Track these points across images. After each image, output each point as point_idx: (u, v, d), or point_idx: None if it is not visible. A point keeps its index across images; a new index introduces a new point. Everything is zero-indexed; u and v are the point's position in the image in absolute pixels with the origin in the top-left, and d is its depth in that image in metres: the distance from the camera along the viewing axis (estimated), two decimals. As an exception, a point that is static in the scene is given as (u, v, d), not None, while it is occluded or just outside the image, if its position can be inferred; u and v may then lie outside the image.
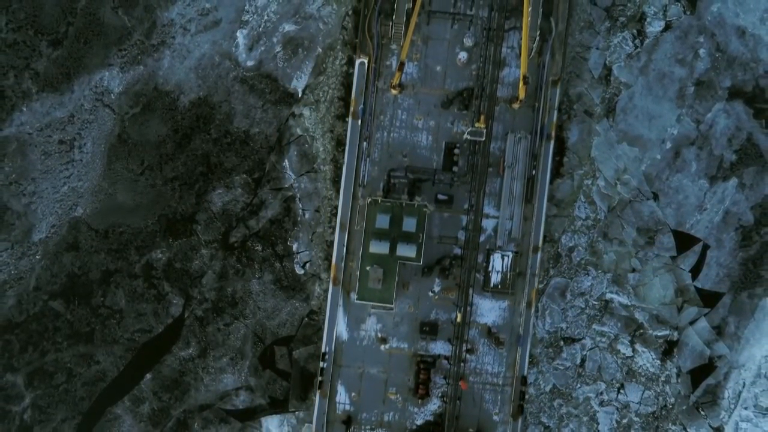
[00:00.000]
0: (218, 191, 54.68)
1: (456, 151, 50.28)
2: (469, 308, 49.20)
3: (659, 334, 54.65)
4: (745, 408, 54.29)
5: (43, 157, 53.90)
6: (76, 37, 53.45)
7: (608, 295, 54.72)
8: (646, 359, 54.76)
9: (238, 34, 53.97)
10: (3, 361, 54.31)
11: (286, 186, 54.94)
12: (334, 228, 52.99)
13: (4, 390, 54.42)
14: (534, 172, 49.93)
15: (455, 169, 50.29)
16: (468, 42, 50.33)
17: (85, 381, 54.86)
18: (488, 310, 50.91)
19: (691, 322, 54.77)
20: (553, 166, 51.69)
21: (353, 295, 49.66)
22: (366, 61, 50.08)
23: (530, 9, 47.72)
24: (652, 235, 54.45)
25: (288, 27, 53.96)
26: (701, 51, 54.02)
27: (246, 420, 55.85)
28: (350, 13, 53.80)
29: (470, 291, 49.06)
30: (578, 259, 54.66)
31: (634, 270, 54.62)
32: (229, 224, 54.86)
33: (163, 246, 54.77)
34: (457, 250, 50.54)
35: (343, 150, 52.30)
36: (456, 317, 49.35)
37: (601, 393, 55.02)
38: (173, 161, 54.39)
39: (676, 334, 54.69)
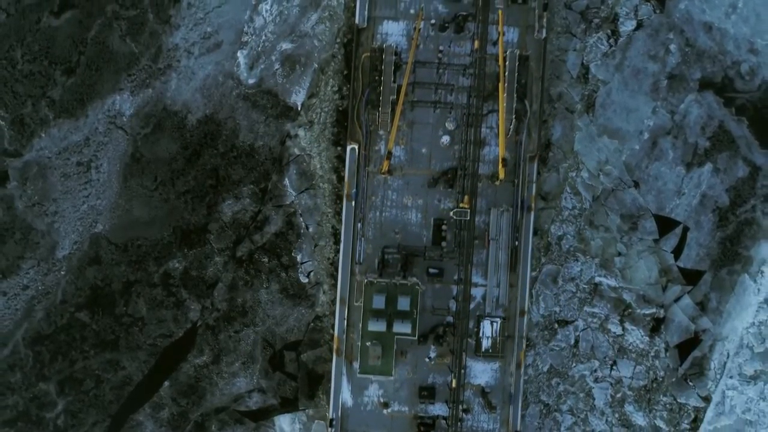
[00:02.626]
0: (228, 202, 56.84)
1: (444, 227, 53.16)
2: (463, 371, 51.19)
3: (646, 312, 56.79)
4: (731, 377, 56.40)
5: (63, 179, 56.12)
6: (88, 65, 55.58)
7: (597, 279, 56.81)
8: (636, 336, 56.87)
9: (238, 54, 56.04)
10: (35, 371, 56.51)
11: (288, 203, 57.07)
12: (334, 247, 56.06)
13: (37, 398, 56.59)
14: (517, 243, 52.84)
15: (444, 244, 53.14)
16: (450, 126, 53.29)
17: (112, 386, 57.07)
18: (481, 372, 53.71)
19: (676, 300, 56.84)
20: (539, 181, 54.63)
21: (355, 365, 52.65)
22: (356, 147, 52.96)
23: (505, 95, 50.90)
24: (635, 220, 56.64)
25: (285, 45, 56.02)
26: (672, 46, 56.27)
27: (259, 420, 57.87)
28: (340, 38, 55.89)
29: (463, 356, 50.97)
30: (567, 246, 56.80)
31: (619, 254, 56.74)
32: (239, 232, 56.99)
33: (179, 256, 56.94)
34: (450, 318, 53.22)
35: (338, 172, 55.31)
36: (451, 381, 51.49)
37: (596, 370, 57.12)
38: (184, 176, 56.62)
39: (662, 311, 56.84)
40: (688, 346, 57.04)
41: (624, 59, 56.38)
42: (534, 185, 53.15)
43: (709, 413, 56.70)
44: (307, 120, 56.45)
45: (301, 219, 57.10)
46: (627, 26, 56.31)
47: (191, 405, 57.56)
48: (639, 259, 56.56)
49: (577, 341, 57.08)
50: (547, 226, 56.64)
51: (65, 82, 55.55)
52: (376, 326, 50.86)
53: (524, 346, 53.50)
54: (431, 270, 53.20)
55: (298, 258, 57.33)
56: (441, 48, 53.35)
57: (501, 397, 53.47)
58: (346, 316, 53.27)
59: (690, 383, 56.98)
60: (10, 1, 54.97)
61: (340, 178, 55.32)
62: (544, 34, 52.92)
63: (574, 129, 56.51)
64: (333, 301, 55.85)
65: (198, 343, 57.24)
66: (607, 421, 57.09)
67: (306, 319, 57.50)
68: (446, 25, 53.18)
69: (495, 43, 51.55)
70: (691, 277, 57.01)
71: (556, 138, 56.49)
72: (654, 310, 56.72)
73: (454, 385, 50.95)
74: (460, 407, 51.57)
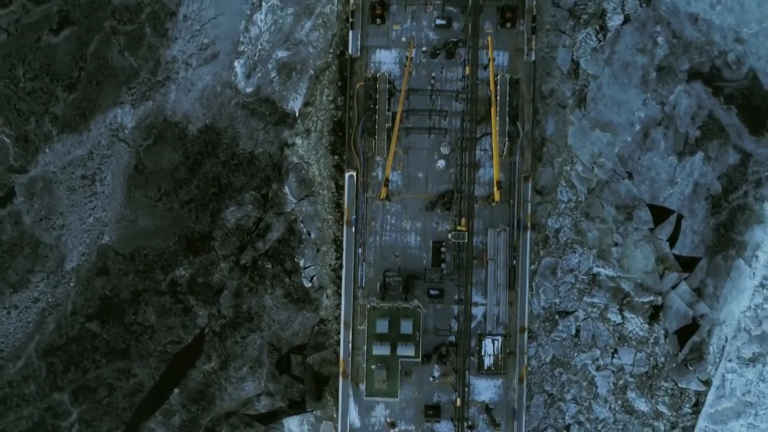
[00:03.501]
0: (231, 209, 57.73)
1: (443, 249, 54.03)
2: (466, 389, 51.72)
3: (645, 300, 57.57)
4: (729, 360, 57.16)
5: (69, 193, 57.09)
6: (89, 81, 56.52)
7: (595, 269, 57.60)
8: (635, 324, 57.70)
9: (235, 63, 56.95)
10: (49, 381, 57.51)
11: (288, 210, 57.93)
12: (335, 253, 56.86)
13: (52, 408, 57.59)
14: (515, 261, 53.68)
15: (443, 265, 53.98)
16: (444, 150, 54.16)
17: (125, 393, 58.02)
18: (484, 389, 54.53)
19: (673, 287, 57.57)
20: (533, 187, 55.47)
21: (362, 386, 53.39)
22: (354, 174, 53.92)
23: (498, 118, 51.63)
24: (630, 210, 57.42)
25: (281, 53, 56.91)
26: (659, 39, 57.06)
27: (269, 422, 58.62)
28: (333, 47, 56.81)
29: (467, 374, 51.53)
30: (564, 239, 57.64)
31: (616, 244, 57.53)
32: (243, 238, 57.83)
33: (185, 263, 57.86)
34: (452, 338, 54.08)
35: (336, 179, 56.26)
36: (456, 399, 52.18)
37: (597, 359, 57.91)
38: (187, 185, 57.52)
39: (660, 299, 57.57)
40: (686, 331, 57.71)
41: (613, 53, 57.15)
42: (529, 205, 54.01)
43: (710, 397, 57.41)
44: (303, 128, 57.23)
45: (302, 225, 57.88)
46: (615, 21, 57.07)
47: (201, 411, 58.33)
48: (635, 248, 57.30)
49: (578, 331, 57.86)
50: (544, 219, 57.40)
51: (67, 97, 56.44)
52: (381, 350, 51.70)
53: (526, 362, 54.22)
54: (432, 291, 53.97)
55: (301, 263, 58.07)
56: (433, 74, 54.19)
57: (504, 413, 54.35)
58: (350, 340, 54.08)
59: (690, 368, 57.72)
60: (10, 21, 55.92)
61: (339, 186, 56.27)
62: (533, 57, 53.73)
63: (567, 124, 57.25)
64: (337, 306, 56.77)
65: (206, 350, 58.02)
66: (610, 408, 57.94)
67: (311, 322, 58.24)
68: (437, 51, 53.94)
69: (486, 68, 52.32)
70: (687, 264, 57.72)
71: (550, 133, 57.23)
72: (652, 298, 57.44)
73: (458, 403, 51.58)
74: (466, 424, 52.10)
